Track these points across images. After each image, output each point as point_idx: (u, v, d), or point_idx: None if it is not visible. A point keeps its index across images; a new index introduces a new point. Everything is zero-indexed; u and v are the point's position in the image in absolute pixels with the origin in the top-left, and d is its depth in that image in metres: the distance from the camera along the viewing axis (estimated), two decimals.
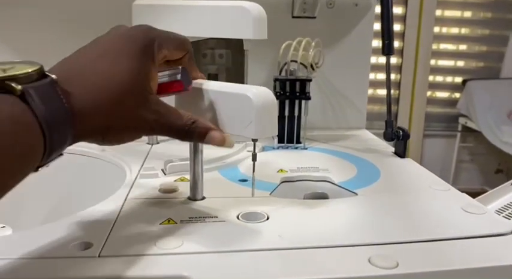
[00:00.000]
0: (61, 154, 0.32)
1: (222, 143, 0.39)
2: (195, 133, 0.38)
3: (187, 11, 0.60)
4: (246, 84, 0.68)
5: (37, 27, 0.79)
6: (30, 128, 0.28)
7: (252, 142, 0.43)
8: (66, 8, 0.78)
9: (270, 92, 0.41)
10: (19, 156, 0.27)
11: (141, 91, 0.35)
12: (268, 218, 0.45)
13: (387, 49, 0.67)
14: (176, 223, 0.43)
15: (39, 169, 0.31)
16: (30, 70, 0.29)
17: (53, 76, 0.31)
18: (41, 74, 0.30)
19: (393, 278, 0.35)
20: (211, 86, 0.43)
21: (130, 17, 0.63)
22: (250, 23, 0.56)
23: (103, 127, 0.33)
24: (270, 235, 0.41)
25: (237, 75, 0.84)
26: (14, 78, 0.28)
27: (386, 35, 0.67)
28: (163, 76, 0.40)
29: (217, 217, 0.44)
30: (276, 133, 0.43)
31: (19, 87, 0.28)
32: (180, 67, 0.40)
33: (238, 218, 0.45)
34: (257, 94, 0.40)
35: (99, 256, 0.36)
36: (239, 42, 0.69)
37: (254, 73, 0.72)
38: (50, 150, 0.30)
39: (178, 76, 0.40)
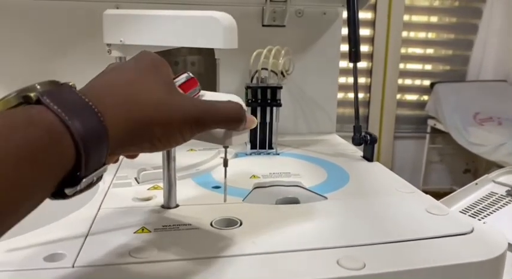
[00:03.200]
0: (99, 179, 0.30)
1: (253, 124, 0.39)
2: (244, 119, 0.37)
3: (158, 21, 0.60)
4: (218, 91, 0.69)
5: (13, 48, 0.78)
6: (59, 135, 0.26)
7: (224, 149, 0.44)
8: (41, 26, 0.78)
9: (240, 100, 0.42)
10: (46, 165, 0.25)
11: (175, 92, 0.35)
12: (241, 224, 0.46)
13: (354, 57, 0.70)
14: (150, 232, 0.44)
15: (71, 194, 0.28)
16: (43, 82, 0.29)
17: (70, 83, 0.30)
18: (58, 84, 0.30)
19: (360, 278, 0.37)
20: None
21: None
22: (220, 32, 0.57)
23: (148, 135, 0.32)
24: (243, 241, 0.42)
25: (210, 82, 0.85)
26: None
27: (353, 43, 0.69)
28: (178, 80, 0.40)
29: (191, 225, 0.45)
30: (247, 139, 0.44)
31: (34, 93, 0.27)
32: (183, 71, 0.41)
33: (211, 225, 0.45)
34: None
35: (73, 267, 0.37)
36: (211, 50, 0.70)
37: (226, 81, 0.72)
38: (86, 161, 0.27)
39: (190, 74, 0.40)
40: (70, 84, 0.30)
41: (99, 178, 0.30)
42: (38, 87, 0.28)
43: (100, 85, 0.31)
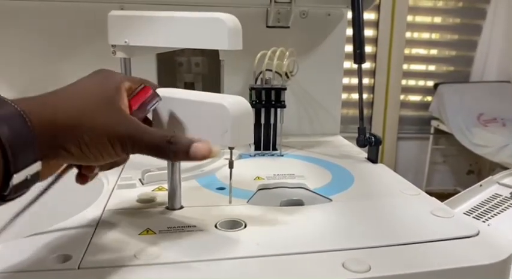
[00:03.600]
0: (31, 184, 0.32)
1: (208, 154, 0.37)
2: (176, 150, 0.36)
3: (163, 22, 0.60)
4: (223, 93, 0.69)
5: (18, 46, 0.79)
6: None
7: (229, 150, 0.44)
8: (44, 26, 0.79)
9: (245, 101, 0.42)
10: None
11: (113, 105, 0.37)
12: (245, 226, 0.46)
13: (359, 59, 0.69)
14: (155, 233, 0.44)
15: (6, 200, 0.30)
16: None
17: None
18: None
19: None
20: (186, 96, 0.44)
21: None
22: (225, 34, 0.57)
23: (75, 139, 0.34)
24: (248, 243, 0.42)
25: (214, 83, 0.85)
26: None
27: (358, 44, 0.69)
28: (131, 94, 0.41)
29: (195, 226, 0.45)
30: (252, 140, 0.44)
31: None
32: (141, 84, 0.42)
33: (216, 226, 0.45)
34: (232, 103, 0.41)
35: (78, 268, 0.37)
36: (215, 51, 0.70)
37: (230, 82, 0.73)
38: (14, 166, 0.29)
39: (142, 86, 0.42)
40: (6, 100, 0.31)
41: (35, 176, 0.32)
42: None
43: (47, 98, 0.34)
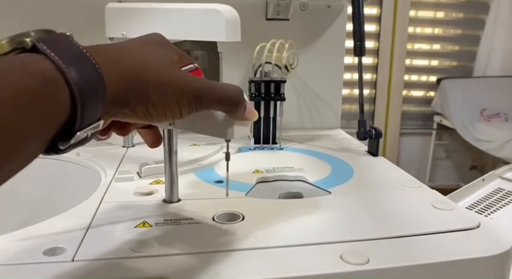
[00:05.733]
0: (93, 135, 0.29)
1: (253, 117, 0.39)
2: (244, 104, 0.37)
3: (160, 14, 0.60)
4: None
5: None
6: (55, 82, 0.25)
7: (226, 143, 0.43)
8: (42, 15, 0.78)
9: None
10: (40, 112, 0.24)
11: (177, 66, 0.35)
12: (243, 219, 0.45)
13: (359, 51, 0.69)
14: (151, 226, 0.43)
15: (62, 150, 0.27)
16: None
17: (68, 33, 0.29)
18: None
19: (364, 273, 0.36)
20: None
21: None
22: (223, 25, 0.56)
23: (143, 98, 0.31)
24: (245, 235, 0.42)
25: (213, 77, 0.84)
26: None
27: (358, 36, 0.68)
28: (186, 69, 0.40)
29: (192, 219, 0.45)
30: (249, 133, 0.43)
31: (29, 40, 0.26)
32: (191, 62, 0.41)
33: (213, 219, 0.45)
34: None
35: (73, 261, 0.36)
36: (215, 44, 0.69)
37: (229, 75, 0.72)
38: (81, 112, 0.26)
39: (196, 65, 0.40)
40: (68, 34, 0.29)
41: (93, 135, 0.29)
42: (33, 33, 0.27)
43: (101, 46, 0.31)
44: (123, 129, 0.37)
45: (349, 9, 0.74)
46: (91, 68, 0.27)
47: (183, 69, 0.38)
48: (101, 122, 0.29)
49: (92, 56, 0.27)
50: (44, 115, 0.25)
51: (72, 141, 0.27)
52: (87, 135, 0.28)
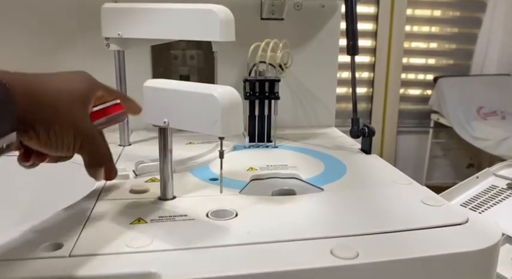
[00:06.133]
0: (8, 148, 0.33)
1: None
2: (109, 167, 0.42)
3: (156, 14, 0.61)
4: (216, 84, 0.69)
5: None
6: None
7: (219, 141, 0.44)
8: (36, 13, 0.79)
9: (235, 91, 0.43)
10: None
11: (86, 106, 0.39)
12: (236, 215, 0.46)
13: (352, 50, 0.70)
14: (146, 223, 0.44)
15: None
16: None
17: None
18: None
19: (353, 267, 0.37)
20: (178, 86, 0.44)
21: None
22: (217, 25, 0.57)
23: (47, 125, 0.35)
24: (238, 231, 0.42)
25: (209, 76, 0.85)
26: None
27: (351, 36, 0.69)
28: (103, 105, 0.44)
29: (186, 216, 0.46)
30: (242, 130, 0.44)
31: None
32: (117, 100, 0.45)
33: (207, 216, 0.46)
34: (222, 93, 0.41)
35: (69, 256, 0.37)
36: (210, 43, 0.70)
37: (224, 74, 0.73)
38: None
39: (118, 101, 0.45)
40: None
41: (9, 147, 0.33)
42: None
43: (21, 73, 0.35)
44: (40, 157, 0.41)
45: (343, 8, 0.75)
46: (2, 91, 0.31)
47: (98, 107, 0.43)
48: (14, 134, 0.32)
49: (8, 83, 0.31)
50: None
51: None
52: (2, 146, 0.32)
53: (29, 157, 0.40)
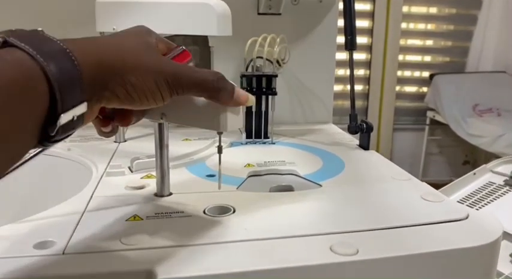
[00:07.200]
0: (80, 119, 0.30)
1: (246, 100, 0.39)
2: (226, 87, 0.37)
3: (151, 8, 0.60)
4: None
5: None
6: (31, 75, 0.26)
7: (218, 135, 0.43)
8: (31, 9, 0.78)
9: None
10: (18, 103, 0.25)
11: (155, 50, 0.36)
12: (234, 212, 0.45)
13: (350, 45, 0.69)
14: (142, 219, 0.43)
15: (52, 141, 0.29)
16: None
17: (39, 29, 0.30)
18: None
19: (353, 264, 0.37)
20: None
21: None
22: (214, 19, 0.56)
23: (121, 80, 0.32)
24: (236, 228, 0.42)
25: None
26: None
27: (349, 30, 0.69)
28: (171, 54, 0.40)
29: (183, 212, 0.45)
30: (241, 126, 0.44)
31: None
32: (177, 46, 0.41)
33: (204, 212, 0.45)
34: None
35: (63, 254, 0.36)
36: (207, 39, 0.69)
37: (221, 69, 0.71)
38: (61, 106, 0.28)
39: (182, 49, 0.40)
40: (39, 29, 0.30)
41: (80, 119, 0.30)
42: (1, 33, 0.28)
43: (74, 39, 0.32)
44: (124, 119, 0.38)
45: (341, 5, 0.74)
46: (61, 52, 0.28)
47: (168, 55, 0.39)
48: (84, 104, 0.30)
49: (63, 43, 0.29)
50: (25, 103, 0.26)
51: (59, 124, 0.28)
52: (73, 118, 0.29)
53: (109, 122, 0.38)
